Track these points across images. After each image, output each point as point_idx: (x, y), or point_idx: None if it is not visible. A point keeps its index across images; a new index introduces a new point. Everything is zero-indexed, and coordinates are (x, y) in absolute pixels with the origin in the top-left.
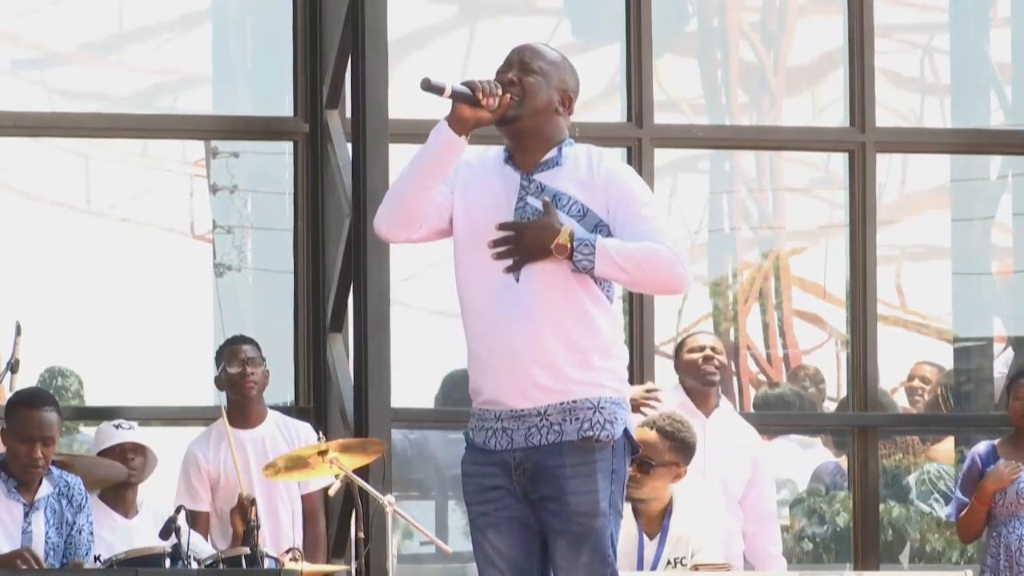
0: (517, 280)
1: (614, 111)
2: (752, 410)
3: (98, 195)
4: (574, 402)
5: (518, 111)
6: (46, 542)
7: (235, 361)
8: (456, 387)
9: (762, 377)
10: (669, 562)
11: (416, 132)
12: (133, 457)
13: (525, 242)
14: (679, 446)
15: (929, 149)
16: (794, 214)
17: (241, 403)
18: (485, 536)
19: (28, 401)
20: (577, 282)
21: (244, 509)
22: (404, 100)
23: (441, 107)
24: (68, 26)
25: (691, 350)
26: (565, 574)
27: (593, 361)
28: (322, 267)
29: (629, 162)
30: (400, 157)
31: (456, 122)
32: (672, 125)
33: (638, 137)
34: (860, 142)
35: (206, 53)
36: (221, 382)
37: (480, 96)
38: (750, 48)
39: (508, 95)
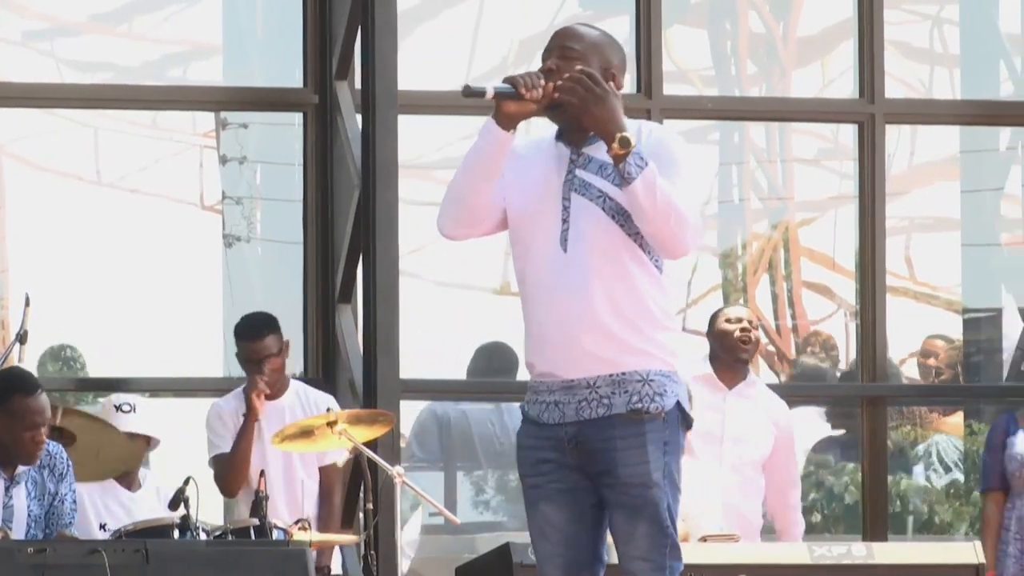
0: (565, 251)
1: (623, 82)
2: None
3: (107, 166)
4: (623, 374)
5: (561, 99)
6: (28, 515)
7: (251, 361)
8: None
9: (771, 348)
10: None
11: (426, 103)
12: (127, 444)
13: (599, 100)
14: None
15: (938, 120)
16: (803, 185)
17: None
18: (537, 508)
19: (24, 389)
20: (627, 252)
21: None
22: (414, 71)
23: (451, 78)
24: None
25: (727, 320)
26: (625, 546)
27: (643, 330)
28: (331, 238)
29: None
30: (409, 128)
31: (502, 119)
32: (682, 96)
33: (647, 108)
34: (869, 113)
35: (216, 24)
36: (241, 360)
37: (523, 91)
38: (759, 19)
39: (551, 84)
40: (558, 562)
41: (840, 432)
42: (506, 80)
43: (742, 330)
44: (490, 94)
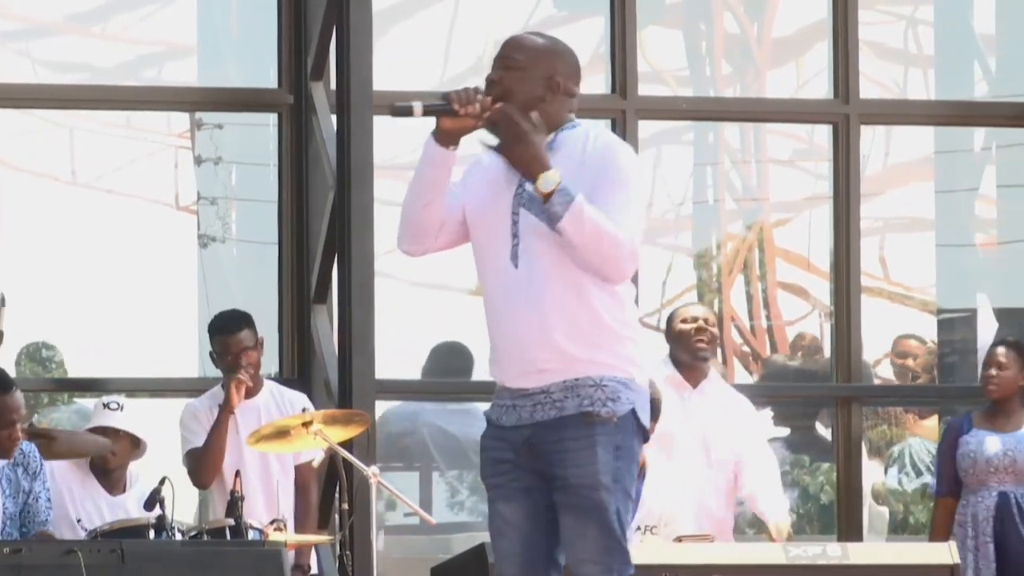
0: (516, 267)
1: (598, 83)
2: (735, 381)
3: (83, 167)
4: (576, 380)
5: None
6: (3, 512)
7: (228, 355)
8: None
9: (746, 348)
10: (639, 528)
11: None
12: (113, 442)
13: (518, 140)
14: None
15: (913, 121)
16: (778, 186)
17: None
18: (496, 507)
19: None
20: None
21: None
22: (389, 71)
23: (427, 78)
24: None
25: (683, 320)
26: (573, 548)
27: (600, 345)
28: (306, 238)
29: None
30: (385, 129)
31: (441, 135)
32: (656, 97)
33: (622, 109)
34: (844, 114)
35: (191, 24)
36: (215, 360)
37: (456, 106)
38: (734, 19)
39: (488, 97)
40: (515, 560)
41: (812, 432)
42: (442, 96)
43: (697, 330)
44: (418, 112)
